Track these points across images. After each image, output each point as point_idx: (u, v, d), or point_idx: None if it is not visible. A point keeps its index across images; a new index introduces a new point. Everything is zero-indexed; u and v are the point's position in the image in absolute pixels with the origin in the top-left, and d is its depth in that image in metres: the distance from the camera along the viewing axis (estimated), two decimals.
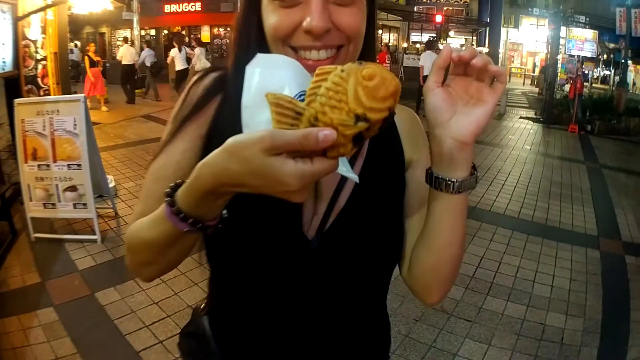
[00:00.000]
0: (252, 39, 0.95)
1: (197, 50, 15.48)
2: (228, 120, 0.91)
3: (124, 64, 15.47)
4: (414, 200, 1.05)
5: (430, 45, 15.37)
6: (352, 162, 0.99)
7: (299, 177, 0.59)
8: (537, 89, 27.30)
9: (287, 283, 0.96)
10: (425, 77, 15.29)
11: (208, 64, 14.60)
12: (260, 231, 0.91)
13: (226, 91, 0.98)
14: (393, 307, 3.91)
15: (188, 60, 15.32)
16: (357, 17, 0.89)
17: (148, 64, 16.07)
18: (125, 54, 15.51)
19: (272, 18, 0.87)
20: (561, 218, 6.43)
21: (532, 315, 4.03)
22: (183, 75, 14.93)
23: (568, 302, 4.29)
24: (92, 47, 14.40)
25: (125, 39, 16.53)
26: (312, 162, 0.60)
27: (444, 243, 0.94)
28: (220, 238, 0.91)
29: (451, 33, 37.25)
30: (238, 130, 0.67)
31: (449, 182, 0.83)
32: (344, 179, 0.97)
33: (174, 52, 15.38)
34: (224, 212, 0.79)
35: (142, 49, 17.15)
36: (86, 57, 13.69)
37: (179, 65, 15.18)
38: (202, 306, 1.21)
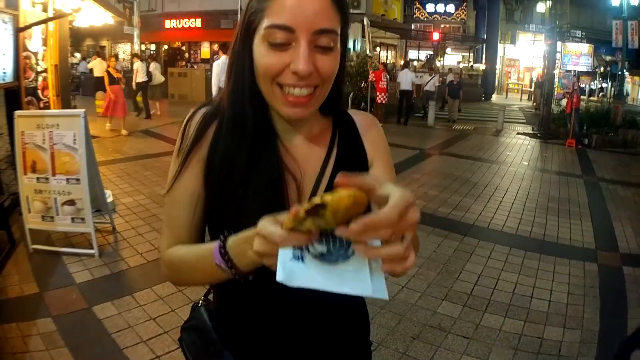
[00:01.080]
0: (246, 73, 1.11)
1: (152, 64, 16.68)
2: (227, 145, 1.13)
3: (139, 82, 15.60)
4: None
5: (407, 64, 19.68)
6: (326, 160, 1.21)
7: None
8: (534, 104, 27.46)
9: (281, 287, 1.08)
10: (401, 92, 17.31)
11: (162, 79, 16.98)
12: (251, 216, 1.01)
13: (221, 120, 1.16)
14: (390, 326, 3.98)
15: (149, 73, 16.03)
16: (334, 62, 1.08)
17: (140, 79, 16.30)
18: (140, 71, 15.48)
19: (264, 58, 1.03)
20: (559, 233, 6.49)
21: (529, 330, 4.08)
22: (143, 86, 16.04)
23: (566, 316, 4.34)
24: (112, 62, 13.27)
25: (136, 55, 16.55)
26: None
27: None
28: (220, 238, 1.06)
29: (448, 50, 37.45)
30: (237, 154, 1.09)
31: None
32: (318, 180, 1.18)
33: (137, 64, 15.93)
34: (251, 277, 1.02)
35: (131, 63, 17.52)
36: (105, 73, 12.70)
37: (140, 77, 15.83)
38: (199, 302, 1.38)
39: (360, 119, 1.32)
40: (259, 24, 1.04)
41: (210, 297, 1.39)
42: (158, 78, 16.62)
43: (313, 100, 1.08)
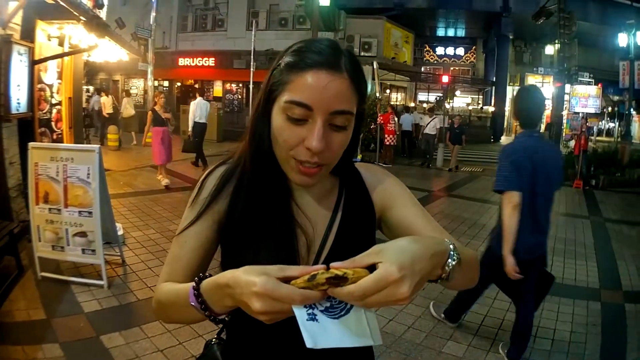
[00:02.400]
0: (265, 138, 1.20)
1: (125, 100, 19.00)
2: (247, 202, 1.24)
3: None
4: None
5: (407, 109, 20.42)
6: (332, 220, 1.31)
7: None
8: None
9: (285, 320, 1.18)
10: (402, 132, 18.56)
11: (133, 112, 18.95)
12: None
13: (241, 178, 1.28)
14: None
15: (115, 107, 17.93)
16: (345, 140, 1.18)
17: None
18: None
19: (282, 132, 1.13)
20: (564, 274, 6.51)
21: None
22: (110, 119, 17.99)
23: (568, 353, 4.39)
24: (160, 100, 10.88)
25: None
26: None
27: (466, 283, 1.23)
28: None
29: (457, 92, 37.72)
30: (256, 210, 1.22)
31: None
32: (326, 236, 1.28)
33: (104, 99, 18.02)
34: (227, 317, 1.13)
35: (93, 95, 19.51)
36: (150, 112, 10.72)
37: (109, 109, 18.27)
38: (213, 340, 1.47)
39: (367, 173, 1.41)
40: (279, 95, 1.13)
41: (223, 335, 1.46)
42: (128, 112, 18.91)
43: (321, 171, 1.18)
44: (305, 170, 1.14)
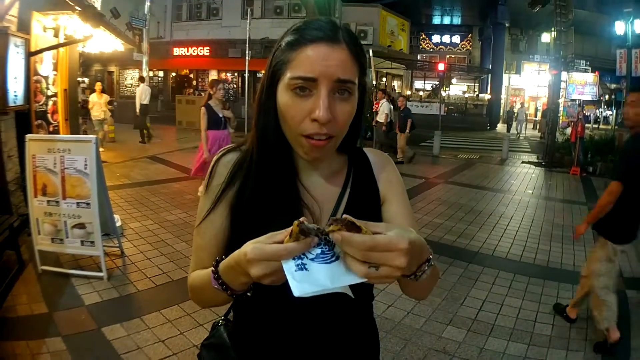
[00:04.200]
0: (271, 120, 1.23)
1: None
2: (254, 187, 1.27)
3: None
4: None
5: (385, 93, 16.78)
6: (340, 197, 1.33)
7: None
8: (539, 134, 27.54)
9: (293, 301, 1.18)
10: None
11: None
12: None
13: (249, 164, 1.30)
14: (396, 350, 4.03)
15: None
16: (351, 110, 1.20)
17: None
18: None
19: (289, 109, 1.15)
20: (563, 259, 6.54)
21: (533, 353, 4.13)
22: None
23: (569, 338, 4.39)
24: (217, 93, 8.03)
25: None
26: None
27: (420, 293, 1.35)
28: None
29: (454, 80, 37.73)
30: (263, 194, 1.23)
31: (408, 277, 1.05)
32: (337, 204, 1.33)
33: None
34: (249, 293, 1.14)
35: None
36: (202, 109, 7.90)
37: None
38: (220, 321, 1.50)
39: (375, 158, 1.46)
40: (283, 74, 1.16)
41: (230, 316, 1.49)
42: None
43: (329, 145, 1.19)
44: (315, 143, 1.16)
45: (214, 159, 1.36)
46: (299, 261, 0.92)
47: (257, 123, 1.28)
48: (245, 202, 1.26)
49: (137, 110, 16.87)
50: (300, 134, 1.16)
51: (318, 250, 0.94)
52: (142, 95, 17.05)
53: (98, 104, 14.23)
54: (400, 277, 1.06)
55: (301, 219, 0.93)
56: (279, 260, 0.91)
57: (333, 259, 0.94)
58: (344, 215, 0.90)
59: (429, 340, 4.24)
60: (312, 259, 0.93)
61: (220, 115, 8.03)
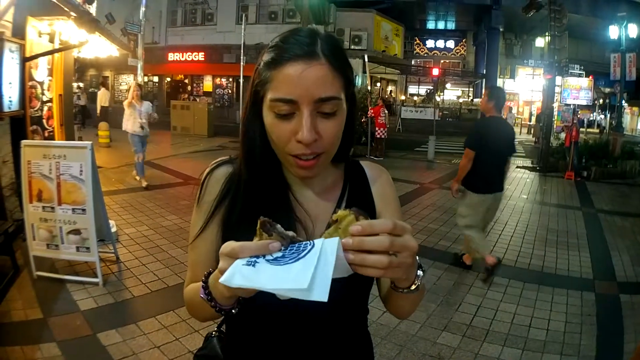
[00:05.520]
0: (257, 138, 1.21)
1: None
2: (244, 205, 1.23)
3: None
4: None
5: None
6: (336, 210, 1.25)
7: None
8: (533, 138, 27.61)
9: (286, 316, 1.19)
10: None
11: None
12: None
13: (238, 184, 1.26)
14: (391, 356, 4.03)
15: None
16: (337, 127, 1.15)
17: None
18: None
19: (274, 129, 1.12)
20: (557, 264, 6.55)
21: (527, 358, 4.13)
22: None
23: (563, 344, 4.39)
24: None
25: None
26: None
27: (406, 311, 1.30)
28: None
29: (448, 85, 37.81)
30: (253, 213, 1.09)
31: (399, 290, 1.07)
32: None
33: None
34: (234, 310, 1.09)
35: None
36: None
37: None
38: (213, 332, 1.48)
39: (371, 171, 1.42)
40: (264, 94, 1.13)
41: (224, 328, 1.47)
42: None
43: (319, 163, 1.16)
44: (303, 164, 1.13)
45: (206, 171, 1.33)
46: (254, 258, 0.89)
47: (243, 142, 1.26)
48: (236, 220, 1.24)
49: (98, 112, 19.43)
50: (288, 154, 1.14)
51: (279, 254, 0.90)
52: (102, 98, 19.73)
53: (133, 116, 10.04)
54: (391, 291, 1.09)
55: (265, 218, 0.93)
56: (236, 257, 0.89)
57: (290, 261, 0.86)
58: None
59: (424, 346, 4.24)
60: (267, 260, 0.88)
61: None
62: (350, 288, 1.20)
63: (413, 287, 1.04)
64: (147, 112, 10.12)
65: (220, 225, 1.27)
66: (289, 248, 0.91)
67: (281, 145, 1.13)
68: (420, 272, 1.06)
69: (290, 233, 0.93)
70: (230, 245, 0.91)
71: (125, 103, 10.22)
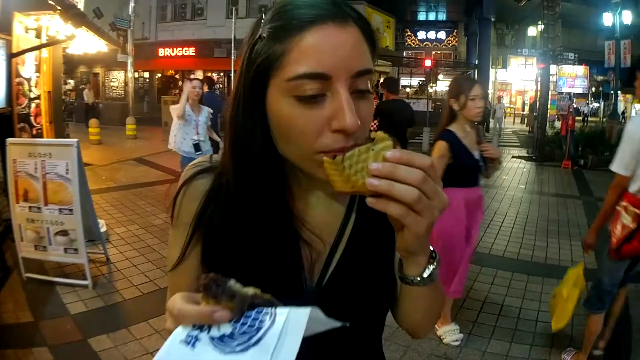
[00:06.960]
0: (257, 139, 0.90)
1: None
2: (232, 237, 0.96)
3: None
4: None
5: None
6: (345, 220, 1.03)
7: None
8: (527, 128, 27.55)
9: None
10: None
11: None
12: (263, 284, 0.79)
13: (225, 195, 0.97)
14: (396, 357, 3.89)
15: None
16: (372, 108, 0.89)
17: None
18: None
19: (297, 119, 0.82)
20: (560, 255, 6.44)
21: (536, 353, 4.03)
22: None
23: (572, 336, 4.27)
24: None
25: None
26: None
27: (421, 317, 1.04)
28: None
29: (440, 76, 37.74)
30: (245, 230, 0.93)
31: (409, 280, 0.89)
32: (334, 247, 1.01)
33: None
34: None
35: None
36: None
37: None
38: None
39: None
40: (275, 74, 0.83)
41: None
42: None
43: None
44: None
45: (179, 185, 1.05)
46: (197, 332, 0.67)
47: (232, 146, 0.93)
48: (221, 247, 0.97)
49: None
50: (318, 151, 0.82)
51: (228, 328, 0.67)
52: (85, 97, 22.60)
53: (186, 130, 7.17)
54: (401, 294, 0.97)
55: (211, 274, 0.68)
56: (178, 323, 0.70)
57: (238, 349, 0.64)
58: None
59: (430, 346, 4.10)
60: (211, 338, 0.66)
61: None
62: (369, 302, 1.02)
63: (426, 273, 0.87)
64: (206, 123, 7.22)
65: (202, 254, 1.02)
66: (242, 319, 0.67)
67: (308, 140, 0.82)
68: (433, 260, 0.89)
69: (251, 291, 0.69)
70: (175, 302, 0.71)
71: (174, 109, 7.16)
